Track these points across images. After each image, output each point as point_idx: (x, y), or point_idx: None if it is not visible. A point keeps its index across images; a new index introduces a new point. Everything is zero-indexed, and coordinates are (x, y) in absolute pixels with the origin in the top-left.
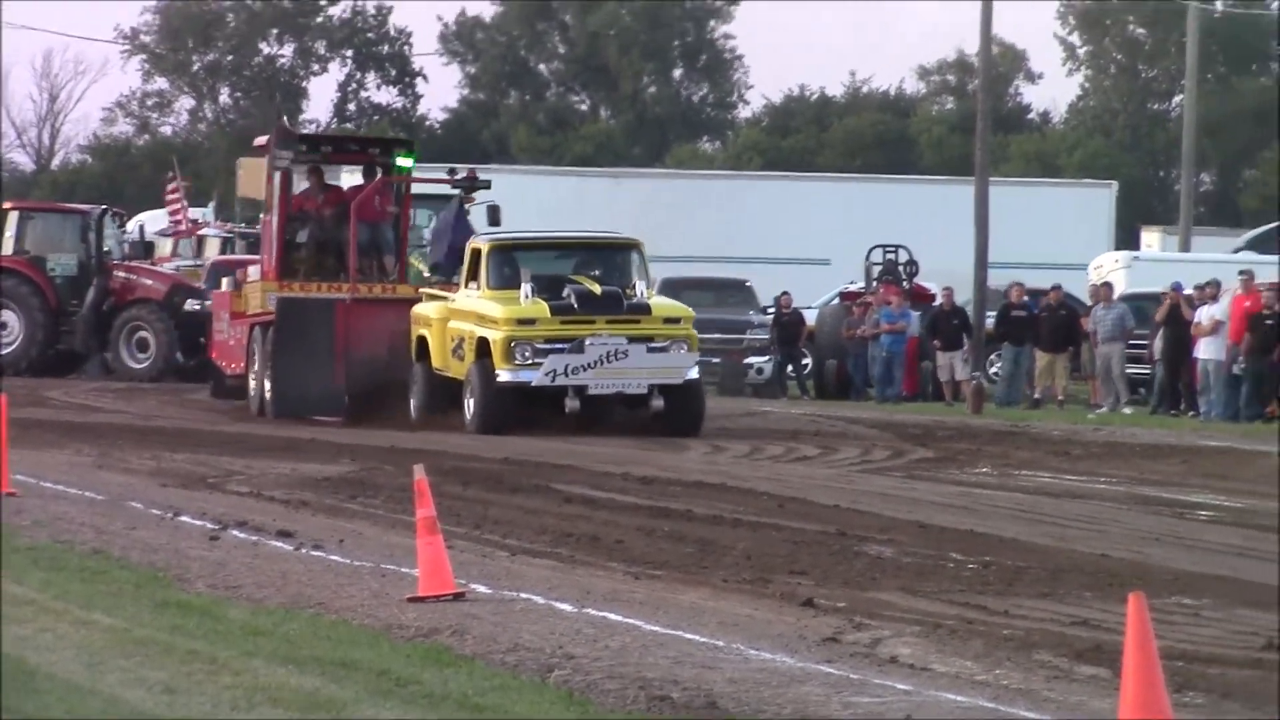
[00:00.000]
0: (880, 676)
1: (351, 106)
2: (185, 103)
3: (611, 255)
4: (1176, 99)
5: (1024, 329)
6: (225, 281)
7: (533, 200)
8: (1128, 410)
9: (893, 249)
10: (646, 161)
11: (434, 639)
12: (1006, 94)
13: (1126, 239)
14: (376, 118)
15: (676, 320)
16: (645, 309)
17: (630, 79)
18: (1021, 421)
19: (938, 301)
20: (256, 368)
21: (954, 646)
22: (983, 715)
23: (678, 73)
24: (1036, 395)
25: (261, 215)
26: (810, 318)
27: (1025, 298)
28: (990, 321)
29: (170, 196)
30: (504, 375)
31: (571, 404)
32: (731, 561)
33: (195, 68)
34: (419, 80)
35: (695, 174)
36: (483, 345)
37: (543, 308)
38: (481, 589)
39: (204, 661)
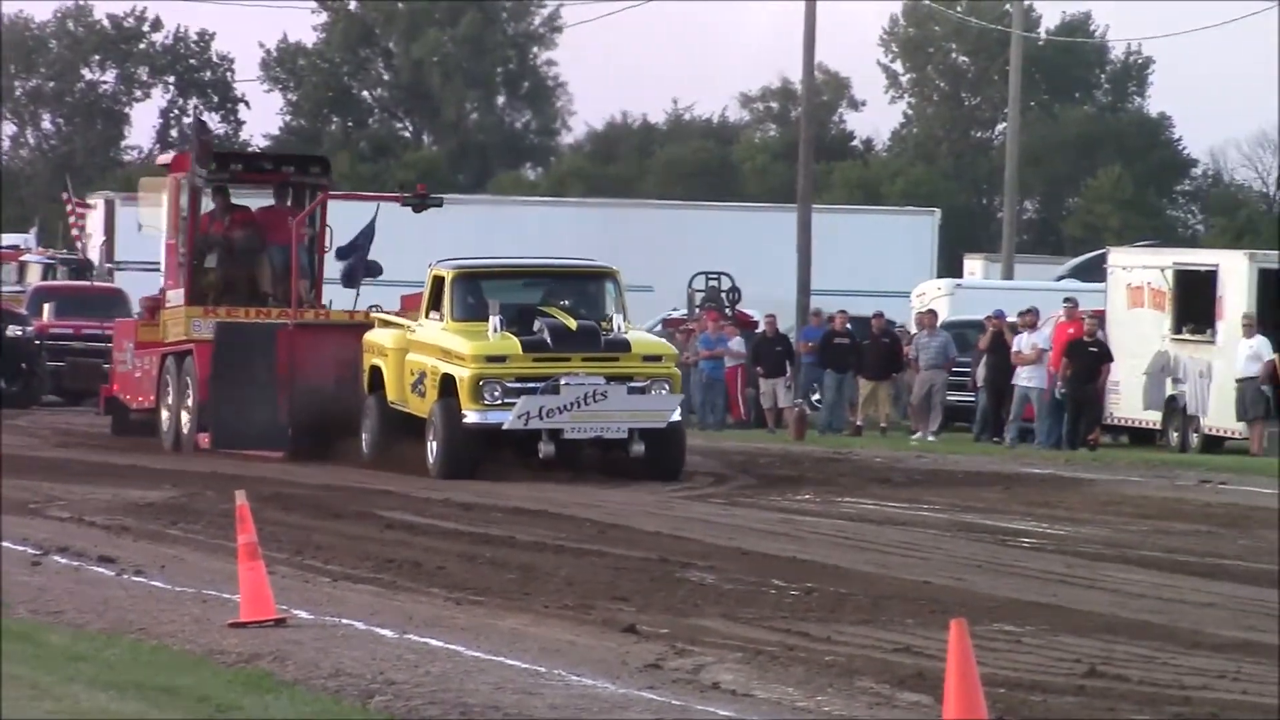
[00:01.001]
0: (702, 703)
1: (174, 133)
2: (6, 129)
3: (584, 284)
4: (1000, 127)
5: (847, 356)
6: (134, 310)
7: (357, 227)
8: (932, 439)
9: (715, 276)
10: (469, 188)
11: (255, 664)
12: (830, 121)
13: (950, 266)
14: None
15: (658, 358)
16: (624, 345)
17: (453, 106)
18: (844, 448)
19: (760, 328)
20: (170, 400)
21: (776, 673)
22: None
23: (501, 100)
24: (859, 422)
25: (165, 239)
26: None
27: (848, 325)
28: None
29: None
30: (471, 416)
31: (546, 449)
32: (553, 588)
33: (18, 93)
34: (241, 106)
35: (517, 200)
36: (448, 383)
37: (514, 343)
38: (303, 614)
39: (25, 686)
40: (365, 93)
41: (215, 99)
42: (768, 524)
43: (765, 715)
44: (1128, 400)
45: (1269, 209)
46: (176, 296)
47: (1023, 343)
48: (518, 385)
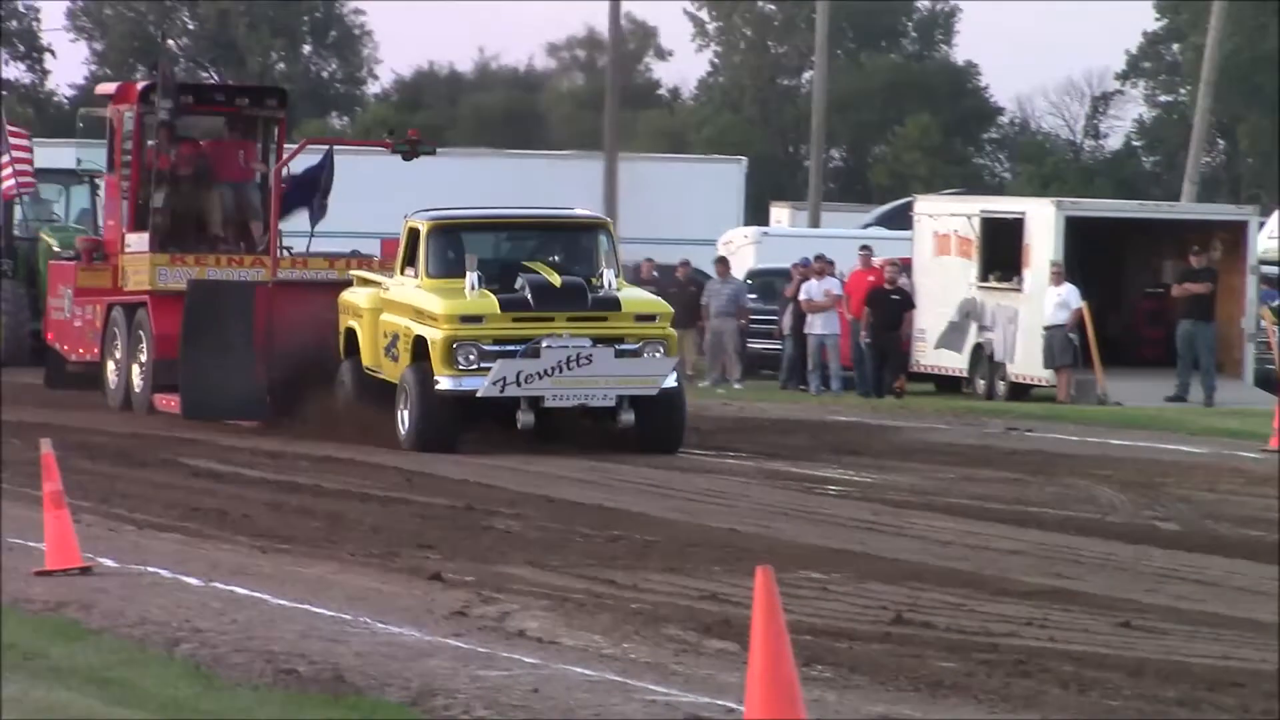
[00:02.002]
0: (508, 650)
1: None
2: None
3: (574, 237)
4: (806, 75)
5: None
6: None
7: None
8: (738, 386)
9: None
10: None
11: (61, 612)
12: (636, 70)
13: (757, 215)
14: (4, 93)
15: (651, 317)
16: (613, 303)
17: (259, 55)
18: None
19: None
20: (119, 355)
21: (582, 620)
22: (611, 689)
23: (307, 49)
24: None
25: (106, 175)
26: None
27: (655, 273)
28: None
29: None
30: (444, 383)
31: (525, 418)
32: (359, 536)
33: None
34: (47, 56)
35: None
36: (420, 345)
37: (491, 302)
38: (109, 563)
39: None
40: (171, 42)
41: (21, 48)
42: (574, 472)
43: (571, 663)
44: (934, 348)
45: (1075, 157)
46: (139, 241)
47: (813, 290)
48: (495, 348)
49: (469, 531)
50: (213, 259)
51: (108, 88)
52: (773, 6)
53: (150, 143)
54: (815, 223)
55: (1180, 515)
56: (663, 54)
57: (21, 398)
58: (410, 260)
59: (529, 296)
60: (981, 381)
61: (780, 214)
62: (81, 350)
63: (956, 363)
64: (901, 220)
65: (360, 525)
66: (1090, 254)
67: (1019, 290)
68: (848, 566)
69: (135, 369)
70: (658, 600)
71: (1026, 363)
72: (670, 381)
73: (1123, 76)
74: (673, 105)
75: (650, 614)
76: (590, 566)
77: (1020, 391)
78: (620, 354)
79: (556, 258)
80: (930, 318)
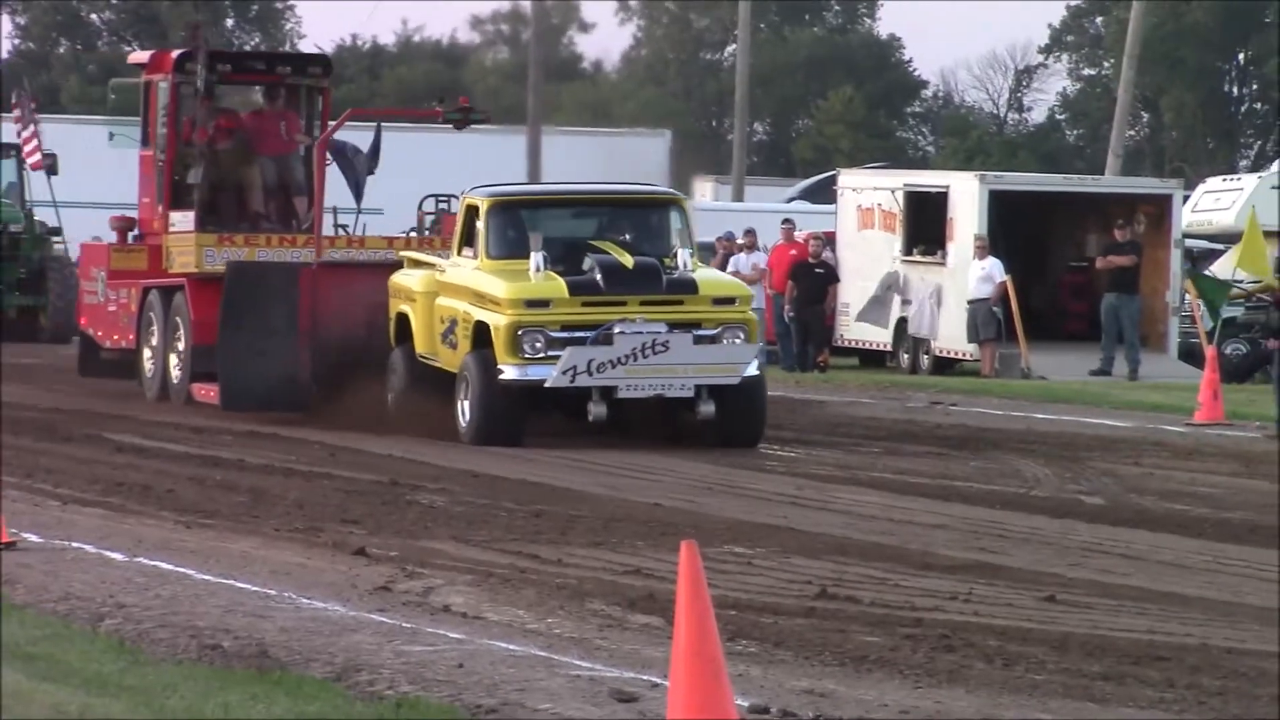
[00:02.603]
0: (433, 625)
1: None
2: None
3: (645, 215)
4: (729, 49)
5: None
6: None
7: (80, 150)
8: None
9: (445, 198)
10: None
11: None
12: (560, 43)
13: (681, 188)
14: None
15: (730, 300)
16: (690, 286)
17: (181, 30)
18: None
19: None
20: (155, 342)
21: (507, 595)
22: (535, 664)
23: (230, 22)
24: None
25: (140, 149)
26: None
27: None
28: None
29: None
30: (509, 372)
31: (597, 410)
32: (283, 510)
33: None
34: None
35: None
36: (481, 331)
37: (558, 285)
38: (32, 538)
39: None
40: (94, 15)
41: None
42: (498, 447)
43: (496, 638)
44: (856, 321)
45: (999, 131)
46: (183, 220)
47: (740, 264)
48: (563, 335)
49: (393, 506)
50: (263, 239)
51: (140, 57)
52: None
53: (186, 115)
54: (739, 196)
55: (1105, 489)
56: (586, 27)
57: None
58: (468, 240)
59: (599, 279)
60: (905, 356)
61: (704, 188)
62: (116, 336)
63: (880, 337)
64: (825, 194)
65: (284, 500)
66: (1014, 228)
67: (943, 264)
68: (772, 541)
69: (173, 357)
70: (582, 575)
71: (950, 337)
72: (752, 369)
73: (1046, 50)
74: (596, 79)
75: (575, 589)
76: (514, 541)
77: (944, 366)
78: (699, 340)
79: (626, 236)
80: (854, 292)
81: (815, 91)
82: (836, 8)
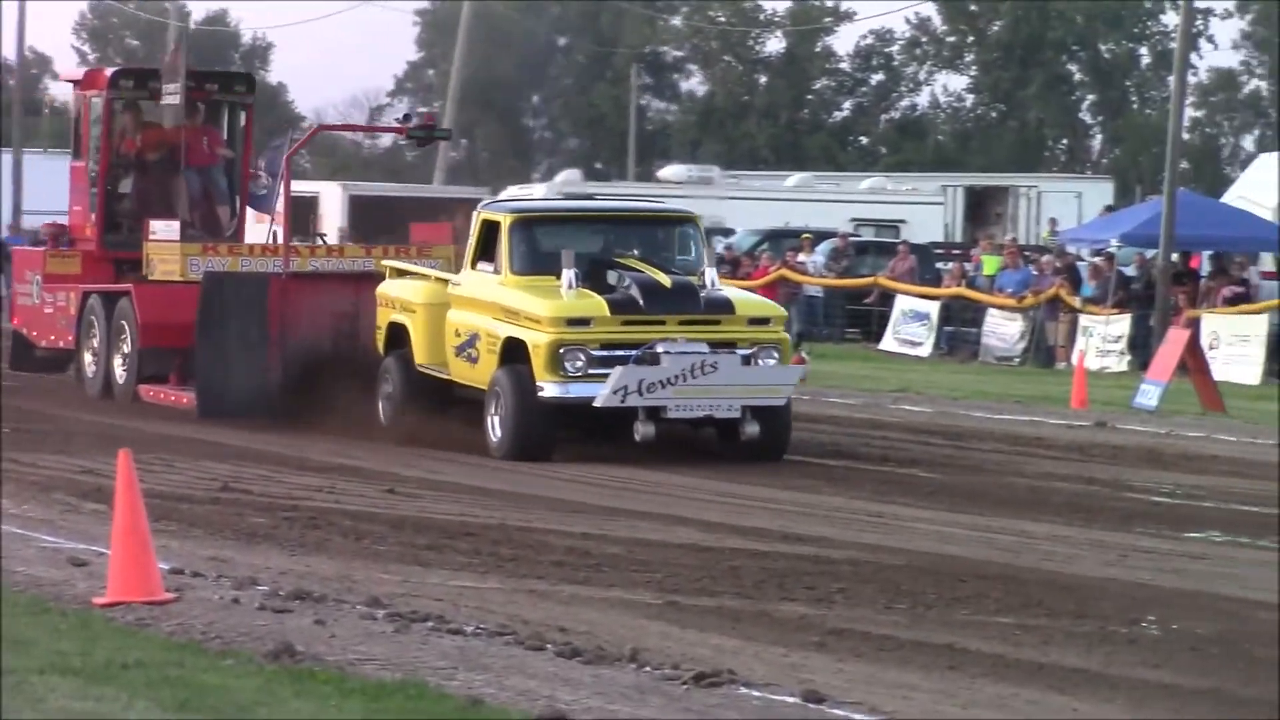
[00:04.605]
0: None
1: None
2: None
3: (661, 232)
4: None
5: None
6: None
7: None
8: None
9: None
10: None
11: None
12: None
13: None
14: None
15: (765, 320)
16: (726, 305)
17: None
18: None
19: None
20: (97, 345)
21: (7, 490)
22: (14, 539)
23: None
24: None
25: (71, 161)
26: None
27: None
28: None
29: None
30: (550, 389)
31: (645, 430)
32: None
33: None
34: None
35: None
36: (512, 348)
37: (598, 303)
38: None
39: None
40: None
41: None
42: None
43: None
44: None
45: (359, 151)
46: (166, 229)
47: None
48: (603, 353)
49: None
50: (246, 248)
51: (75, 73)
52: (137, 43)
53: (118, 129)
54: None
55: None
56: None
57: None
58: (486, 255)
59: (638, 297)
60: None
61: None
62: (53, 337)
63: None
64: None
65: None
66: (370, 224)
67: None
68: (188, 451)
69: (117, 359)
70: (50, 474)
71: None
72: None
73: (392, 94)
74: None
75: (44, 483)
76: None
77: None
78: (746, 362)
79: (636, 252)
80: None
81: None
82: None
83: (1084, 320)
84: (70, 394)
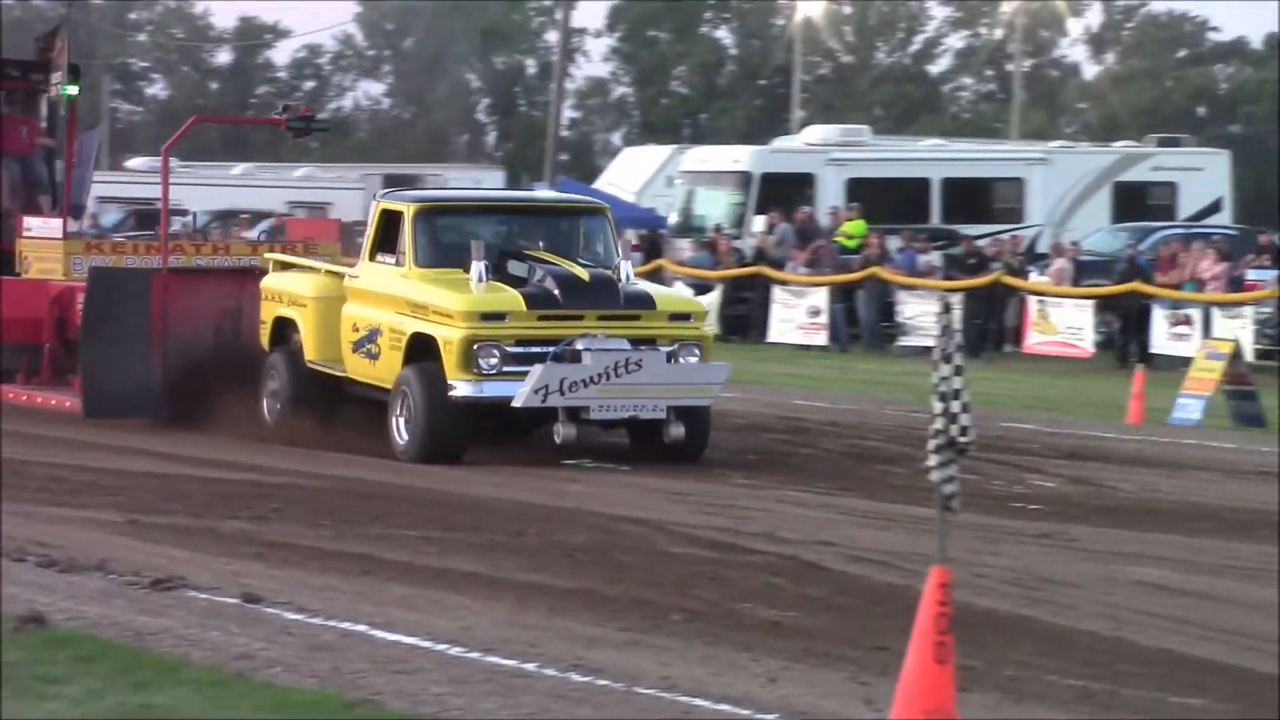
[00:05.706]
0: None
1: None
2: None
3: (568, 224)
4: None
5: None
6: None
7: None
8: None
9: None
10: None
11: None
12: None
13: None
14: None
15: (685, 316)
16: (646, 300)
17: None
18: None
19: None
20: None
21: None
22: None
23: None
24: None
25: None
26: None
27: None
28: None
29: None
30: (462, 388)
31: (566, 431)
32: None
33: None
34: None
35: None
36: (420, 344)
37: (514, 297)
38: None
39: None
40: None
41: None
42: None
43: None
44: None
45: None
46: (43, 227)
47: None
48: (518, 350)
49: None
50: (129, 246)
51: None
52: None
53: None
54: None
55: None
56: None
57: None
58: (385, 246)
59: (555, 291)
60: None
61: None
62: None
63: None
64: None
65: None
66: None
67: None
68: None
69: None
70: None
71: None
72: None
73: None
74: None
75: None
76: None
77: None
78: (671, 360)
79: (541, 244)
80: None
81: None
82: None
83: None
84: None
